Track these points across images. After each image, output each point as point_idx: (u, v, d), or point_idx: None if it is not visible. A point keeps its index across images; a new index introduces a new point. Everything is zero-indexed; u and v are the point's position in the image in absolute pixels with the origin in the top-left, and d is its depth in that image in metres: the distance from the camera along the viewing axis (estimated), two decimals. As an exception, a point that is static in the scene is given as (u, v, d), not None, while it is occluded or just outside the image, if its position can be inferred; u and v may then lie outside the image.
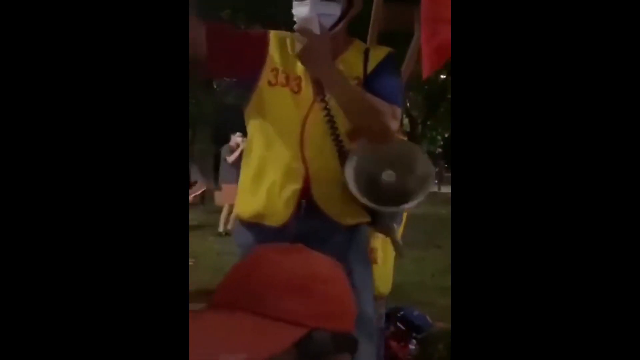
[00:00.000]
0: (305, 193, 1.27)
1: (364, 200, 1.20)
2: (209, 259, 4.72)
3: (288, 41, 1.35)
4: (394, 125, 1.26)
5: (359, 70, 1.33)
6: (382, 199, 1.21)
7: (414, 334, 2.70)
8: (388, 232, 1.44)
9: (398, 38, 2.12)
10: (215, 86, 12.19)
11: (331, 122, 1.28)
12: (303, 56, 1.21)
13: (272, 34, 1.35)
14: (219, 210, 6.87)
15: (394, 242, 1.48)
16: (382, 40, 1.58)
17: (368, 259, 1.39)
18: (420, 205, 1.29)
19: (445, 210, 6.09)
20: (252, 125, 1.35)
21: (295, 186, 1.27)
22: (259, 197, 1.29)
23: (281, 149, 1.28)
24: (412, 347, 2.67)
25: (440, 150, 24.53)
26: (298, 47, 1.20)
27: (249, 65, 1.30)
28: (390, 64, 1.35)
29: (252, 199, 1.31)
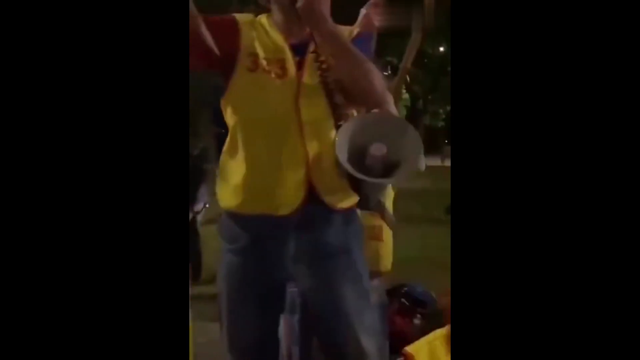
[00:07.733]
0: (308, 179, 1.27)
1: (352, 170, 1.18)
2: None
3: (263, 21, 1.31)
4: (382, 87, 1.26)
5: None
6: (369, 172, 1.20)
7: (418, 309, 2.73)
8: (378, 208, 1.42)
9: (397, 38, 2.10)
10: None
11: (327, 88, 1.25)
12: (305, 10, 1.19)
13: (240, 18, 1.31)
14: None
15: (387, 217, 1.48)
16: (381, 40, 1.56)
17: (362, 243, 1.39)
18: (414, 180, 1.29)
19: (447, 185, 6.04)
20: (235, 115, 1.30)
21: (301, 172, 1.26)
22: (264, 187, 1.26)
23: (279, 136, 1.26)
24: (416, 322, 2.70)
25: (442, 124, 24.30)
26: (300, 2, 1.19)
27: (222, 53, 1.25)
28: (366, 40, 1.36)
29: (254, 190, 1.28)
